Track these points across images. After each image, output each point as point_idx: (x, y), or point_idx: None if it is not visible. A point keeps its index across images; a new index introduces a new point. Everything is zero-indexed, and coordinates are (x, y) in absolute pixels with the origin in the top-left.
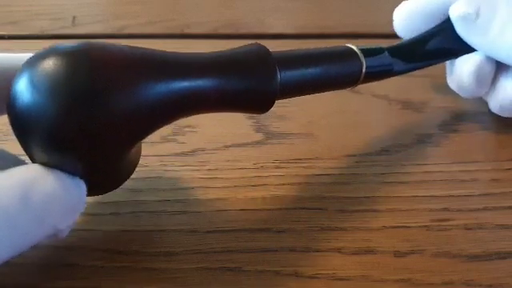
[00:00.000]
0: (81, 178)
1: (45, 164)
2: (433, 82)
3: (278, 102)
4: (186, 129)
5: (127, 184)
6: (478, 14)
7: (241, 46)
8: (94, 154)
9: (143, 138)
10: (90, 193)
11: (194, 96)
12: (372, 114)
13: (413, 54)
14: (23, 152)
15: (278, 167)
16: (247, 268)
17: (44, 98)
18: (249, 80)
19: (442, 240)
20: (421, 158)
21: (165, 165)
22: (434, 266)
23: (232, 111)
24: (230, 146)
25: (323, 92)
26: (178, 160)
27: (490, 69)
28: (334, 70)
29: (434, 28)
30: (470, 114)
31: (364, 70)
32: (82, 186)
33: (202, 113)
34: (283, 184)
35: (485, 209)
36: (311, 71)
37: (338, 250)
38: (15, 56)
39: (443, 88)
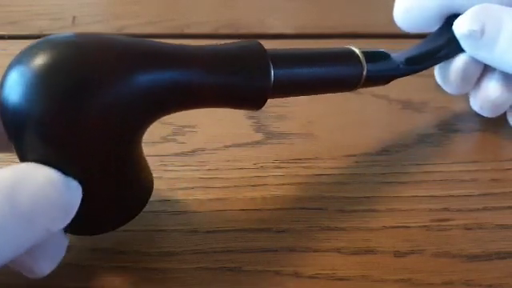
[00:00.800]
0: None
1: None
2: (433, 82)
3: (278, 102)
4: (186, 129)
5: None
6: (483, 31)
7: (237, 41)
8: (84, 150)
9: (134, 133)
10: (89, 224)
11: (185, 89)
12: (372, 114)
13: (419, 63)
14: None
15: (277, 167)
16: (247, 268)
17: (31, 93)
18: (240, 75)
19: (441, 240)
20: (421, 158)
21: (165, 165)
22: (434, 266)
23: (225, 106)
24: (229, 146)
25: (321, 93)
26: (177, 160)
27: (476, 68)
28: (333, 72)
29: (441, 36)
30: (470, 114)
31: (364, 75)
32: (75, 187)
33: (194, 107)
34: (283, 184)
35: (484, 209)
36: (308, 71)
37: (338, 250)
38: None
39: (443, 88)
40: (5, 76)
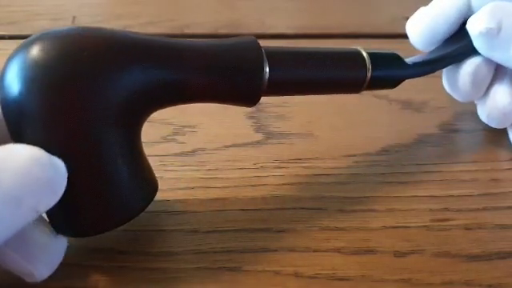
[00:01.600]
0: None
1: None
2: (433, 82)
3: (278, 102)
4: (186, 129)
5: None
6: (499, 29)
7: (234, 37)
8: (81, 142)
9: (131, 126)
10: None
11: (179, 83)
12: (372, 113)
13: (428, 65)
14: None
15: (277, 167)
16: (247, 268)
17: (31, 85)
18: (233, 70)
19: (441, 240)
20: (421, 158)
21: (165, 165)
22: (434, 265)
23: (219, 102)
24: (230, 146)
25: (322, 94)
26: (177, 160)
27: (486, 73)
28: (334, 73)
29: (451, 42)
30: (470, 114)
31: (368, 78)
32: (60, 165)
33: (188, 102)
34: (283, 184)
35: (484, 209)
36: (307, 71)
37: (338, 250)
38: None
39: (443, 88)
40: (4, 70)
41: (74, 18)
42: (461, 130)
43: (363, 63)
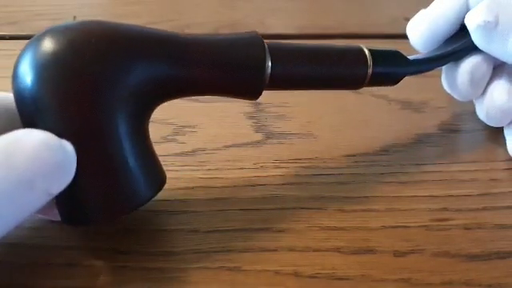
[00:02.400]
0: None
1: None
2: (433, 82)
3: (278, 102)
4: (186, 129)
5: None
6: (497, 22)
7: (236, 33)
8: (92, 130)
9: (137, 116)
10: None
11: (182, 76)
12: (371, 113)
13: (429, 67)
14: None
15: (277, 167)
16: (247, 267)
17: (44, 78)
18: (235, 64)
19: (441, 240)
20: (420, 158)
21: (165, 165)
22: (434, 265)
23: (222, 95)
24: (230, 146)
25: (324, 89)
26: (178, 160)
27: (485, 71)
28: (335, 69)
29: (454, 46)
30: (470, 114)
31: (369, 74)
32: (69, 147)
33: (191, 95)
34: (283, 184)
35: (484, 209)
36: (309, 66)
37: (338, 250)
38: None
39: (443, 88)
40: (17, 63)
41: (74, 18)
42: (460, 130)
43: (364, 60)
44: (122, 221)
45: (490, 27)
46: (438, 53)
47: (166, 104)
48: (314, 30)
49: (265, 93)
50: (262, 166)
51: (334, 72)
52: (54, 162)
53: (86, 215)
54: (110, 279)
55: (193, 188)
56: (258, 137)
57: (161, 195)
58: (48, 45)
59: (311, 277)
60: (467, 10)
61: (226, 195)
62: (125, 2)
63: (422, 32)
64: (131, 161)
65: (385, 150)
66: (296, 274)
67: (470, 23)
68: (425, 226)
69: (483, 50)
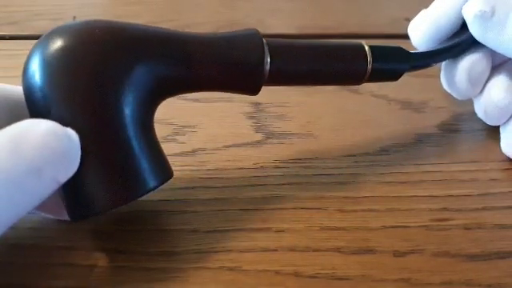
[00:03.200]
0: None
1: None
2: (432, 82)
3: (278, 102)
4: (186, 129)
5: None
6: (493, 12)
7: (236, 30)
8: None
9: (143, 110)
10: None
11: (184, 73)
12: (371, 113)
13: (430, 62)
14: None
15: (277, 167)
16: (247, 267)
17: (53, 75)
18: (235, 61)
19: (441, 240)
20: (420, 158)
21: None
22: (434, 265)
23: (223, 90)
24: (230, 146)
25: (323, 85)
26: (177, 160)
27: (483, 69)
28: (335, 64)
29: (454, 41)
30: (470, 114)
31: (369, 70)
32: (74, 136)
33: (191, 91)
34: (283, 184)
35: (484, 209)
36: (308, 62)
37: (338, 250)
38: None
39: (443, 88)
40: (27, 62)
41: (74, 18)
42: (460, 130)
43: (364, 55)
44: (122, 221)
45: (487, 17)
46: (439, 47)
47: (165, 104)
48: (314, 30)
49: (265, 93)
50: (261, 166)
51: (334, 67)
52: (61, 151)
53: (92, 204)
54: (110, 279)
55: (193, 188)
56: (258, 137)
57: (161, 195)
58: (57, 44)
59: (311, 277)
60: None
61: (226, 195)
62: (125, 1)
63: (423, 31)
64: (136, 149)
65: (385, 150)
66: (296, 274)
67: (467, 13)
68: (425, 225)
69: (480, 40)
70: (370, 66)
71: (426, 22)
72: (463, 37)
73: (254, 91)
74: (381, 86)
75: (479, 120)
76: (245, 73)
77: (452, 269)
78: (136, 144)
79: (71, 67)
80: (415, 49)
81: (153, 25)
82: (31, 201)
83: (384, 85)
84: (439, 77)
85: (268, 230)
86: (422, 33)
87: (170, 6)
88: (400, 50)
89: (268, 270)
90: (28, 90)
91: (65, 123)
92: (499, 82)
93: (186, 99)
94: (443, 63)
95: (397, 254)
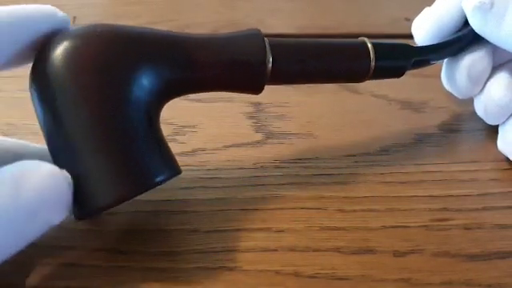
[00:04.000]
0: None
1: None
2: (433, 82)
3: (278, 102)
4: (186, 129)
5: None
6: (492, 4)
7: (238, 31)
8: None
9: (148, 109)
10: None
11: (188, 75)
12: (371, 113)
13: (433, 58)
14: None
15: (277, 167)
16: (247, 267)
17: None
18: (237, 60)
19: (441, 240)
20: (420, 158)
21: None
22: (434, 265)
23: (226, 90)
24: (230, 146)
25: (326, 83)
26: (178, 160)
27: (484, 67)
28: (337, 63)
29: (457, 35)
30: (470, 114)
31: (372, 68)
32: (69, 178)
33: (196, 92)
34: (283, 184)
35: (484, 209)
36: (311, 60)
37: (338, 250)
38: None
39: (443, 88)
40: (38, 66)
41: (74, 18)
42: (460, 130)
43: (367, 53)
44: (122, 221)
45: (486, 9)
46: (441, 41)
47: (166, 104)
48: (314, 30)
49: (265, 93)
50: (262, 166)
51: (337, 65)
52: (58, 195)
53: (100, 197)
54: (110, 279)
55: (193, 188)
56: (258, 137)
57: (161, 195)
58: (67, 46)
59: (311, 277)
60: None
61: (225, 195)
62: (125, 2)
63: (426, 29)
64: (143, 144)
65: (385, 150)
66: (296, 274)
67: (467, 5)
68: (425, 226)
69: (479, 33)
70: (373, 63)
71: (429, 20)
72: (464, 31)
73: (257, 90)
74: (381, 85)
75: (479, 120)
76: (248, 72)
77: (452, 269)
78: (142, 139)
79: (80, 68)
80: None
81: (153, 25)
82: (22, 242)
83: (384, 85)
84: (439, 77)
85: (268, 229)
86: (425, 31)
87: (170, 6)
88: (402, 45)
89: (268, 270)
90: (37, 90)
91: (71, 122)
92: (500, 80)
93: (186, 99)
94: (444, 62)
95: (397, 254)
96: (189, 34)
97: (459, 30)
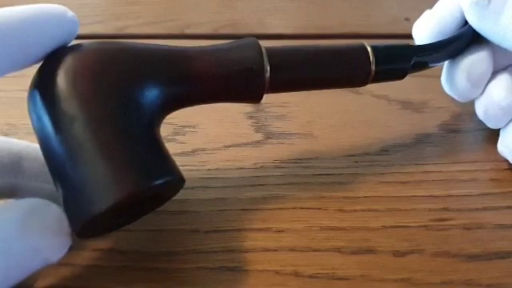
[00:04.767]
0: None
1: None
2: (433, 82)
3: (278, 102)
4: (186, 129)
5: None
6: (490, 0)
7: (235, 40)
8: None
9: (150, 120)
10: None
11: (188, 89)
12: (372, 114)
13: (434, 60)
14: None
15: (277, 167)
16: (247, 267)
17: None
18: (235, 71)
19: (441, 240)
20: (420, 158)
21: None
22: (434, 265)
23: (226, 101)
24: (229, 146)
25: (326, 89)
26: (178, 160)
27: (484, 69)
28: (337, 69)
29: (455, 35)
30: (470, 114)
31: (372, 73)
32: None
33: (196, 104)
34: (283, 184)
35: (484, 209)
36: (309, 68)
37: (338, 250)
38: None
39: (443, 88)
40: (42, 76)
41: None
42: (460, 130)
43: (367, 57)
44: None
45: (483, 5)
46: (442, 40)
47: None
48: (314, 30)
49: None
50: (262, 166)
51: (336, 71)
52: (61, 236)
53: (97, 202)
54: (110, 279)
55: (193, 188)
56: (258, 137)
57: None
58: (70, 62)
59: (311, 277)
60: None
61: (225, 195)
62: (125, 2)
63: (428, 32)
64: (143, 150)
65: (385, 150)
66: (296, 274)
67: (464, 1)
68: (425, 225)
69: (476, 29)
70: (373, 68)
71: (431, 23)
72: (464, 29)
73: (257, 99)
74: (381, 85)
75: (479, 120)
76: (246, 82)
77: (452, 269)
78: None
79: (80, 81)
80: None
81: (153, 25)
82: (22, 276)
83: (384, 85)
84: (439, 77)
85: (268, 230)
86: (426, 33)
87: (170, 6)
88: (402, 46)
89: (268, 270)
90: (39, 99)
91: (70, 130)
92: (501, 82)
93: None
94: (444, 65)
95: (397, 254)
96: (186, 47)
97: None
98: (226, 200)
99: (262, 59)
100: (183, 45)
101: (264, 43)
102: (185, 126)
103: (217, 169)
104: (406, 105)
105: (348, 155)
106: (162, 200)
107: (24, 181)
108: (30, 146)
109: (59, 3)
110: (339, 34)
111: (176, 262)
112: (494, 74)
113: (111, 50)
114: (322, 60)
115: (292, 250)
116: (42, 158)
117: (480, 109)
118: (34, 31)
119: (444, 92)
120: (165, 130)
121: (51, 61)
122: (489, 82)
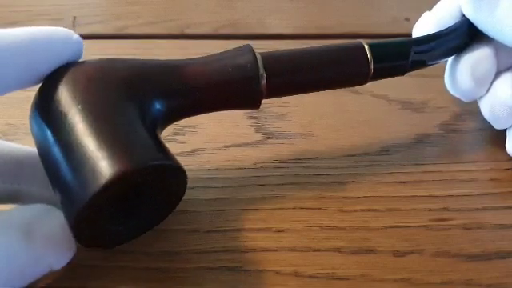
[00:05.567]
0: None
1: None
2: (433, 81)
3: (278, 102)
4: (186, 129)
5: None
6: None
7: (230, 50)
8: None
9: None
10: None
11: (186, 101)
12: (372, 114)
13: (433, 58)
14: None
15: (277, 167)
16: (247, 267)
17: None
18: (230, 82)
19: (441, 240)
20: (420, 158)
21: None
22: (434, 265)
23: (225, 109)
24: (229, 146)
25: (325, 90)
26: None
27: (488, 67)
28: (334, 70)
29: (451, 27)
30: (470, 114)
31: (371, 71)
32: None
33: (195, 114)
34: (283, 184)
35: (484, 209)
36: (307, 71)
37: (338, 250)
38: None
39: (443, 88)
40: (47, 89)
41: (74, 18)
42: (460, 130)
43: (364, 56)
44: None
45: None
46: (437, 32)
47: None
48: (314, 30)
49: None
50: (262, 166)
51: (334, 72)
52: (65, 243)
53: (95, 181)
54: (110, 279)
55: (193, 188)
56: (258, 137)
57: None
58: (71, 79)
59: (311, 277)
60: None
61: (226, 195)
62: (125, 2)
63: (429, 32)
64: (134, 131)
65: (385, 150)
66: (296, 274)
67: None
68: (425, 225)
69: (472, 21)
70: (371, 66)
71: (431, 24)
72: (459, 20)
73: (255, 106)
74: (381, 85)
75: (479, 120)
76: (243, 90)
77: (452, 269)
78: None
79: (80, 94)
80: None
81: (153, 25)
82: (25, 282)
83: (384, 85)
84: (439, 77)
85: (268, 230)
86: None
87: (170, 6)
88: (399, 40)
89: (268, 270)
90: (42, 111)
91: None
92: (507, 80)
93: None
94: (447, 65)
95: (397, 254)
96: (182, 60)
97: None
98: (226, 200)
99: (257, 65)
100: (183, 45)
101: (264, 43)
102: (185, 126)
103: (217, 169)
104: (406, 105)
105: (348, 155)
106: (167, 203)
107: (27, 186)
108: (32, 151)
109: (59, 4)
110: (339, 34)
111: (176, 261)
112: (499, 73)
113: (112, 62)
114: (318, 62)
115: (292, 250)
116: (39, 163)
117: (486, 108)
118: (42, 51)
119: (444, 92)
120: (165, 130)
121: (51, 77)
122: (493, 81)
